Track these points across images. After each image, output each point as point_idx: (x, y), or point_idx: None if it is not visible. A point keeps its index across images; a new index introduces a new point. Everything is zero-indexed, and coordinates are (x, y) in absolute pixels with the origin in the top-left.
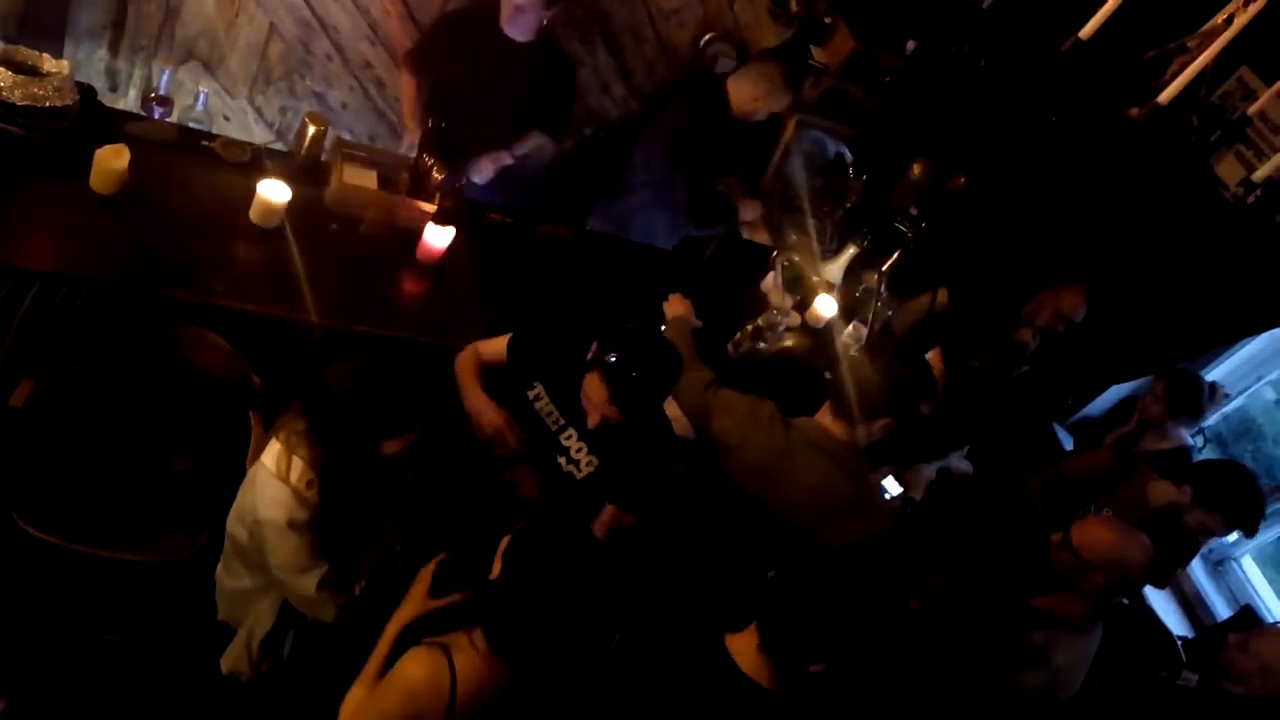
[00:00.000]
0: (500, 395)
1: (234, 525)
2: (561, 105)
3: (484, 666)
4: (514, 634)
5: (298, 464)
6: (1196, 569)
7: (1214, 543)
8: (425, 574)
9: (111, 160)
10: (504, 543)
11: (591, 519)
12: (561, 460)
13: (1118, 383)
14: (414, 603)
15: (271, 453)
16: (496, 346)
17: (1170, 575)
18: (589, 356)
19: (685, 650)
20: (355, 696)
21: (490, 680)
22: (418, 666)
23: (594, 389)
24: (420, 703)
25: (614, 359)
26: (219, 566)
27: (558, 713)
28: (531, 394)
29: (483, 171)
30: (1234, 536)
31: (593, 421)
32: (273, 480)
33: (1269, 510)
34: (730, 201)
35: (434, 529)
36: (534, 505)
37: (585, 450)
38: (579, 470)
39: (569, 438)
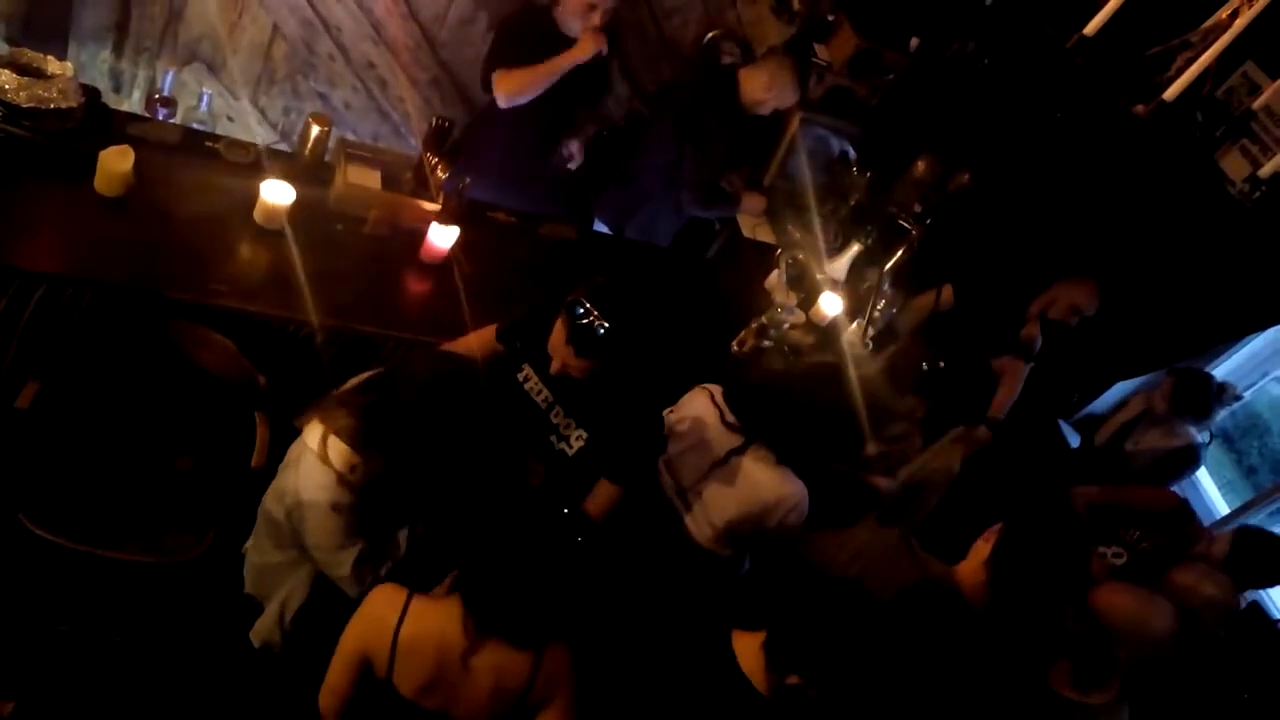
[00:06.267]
0: (492, 383)
1: (271, 504)
2: None
3: (439, 607)
4: (477, 581)
5: (342, 449)
6: None
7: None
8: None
9: (116, 162)
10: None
11: (584, 496)
12: (553, 439)
13: (1123, 379)
14: None
15: (316, 436)
16: (484, 337)
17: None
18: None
19: (692, 641)
20: None
21: (442, 619)
22: (377, 600)
23: (556, 334)
24: (369, 631)
25: (578, 305)
26: (248, 542)
27: None
28: (520, 376)
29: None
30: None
31: (554, 367)
32: (318, 464)
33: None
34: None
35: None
36: (539, 491)
37: (573, 425)
38: (570, 446)
39: (557, 415)
